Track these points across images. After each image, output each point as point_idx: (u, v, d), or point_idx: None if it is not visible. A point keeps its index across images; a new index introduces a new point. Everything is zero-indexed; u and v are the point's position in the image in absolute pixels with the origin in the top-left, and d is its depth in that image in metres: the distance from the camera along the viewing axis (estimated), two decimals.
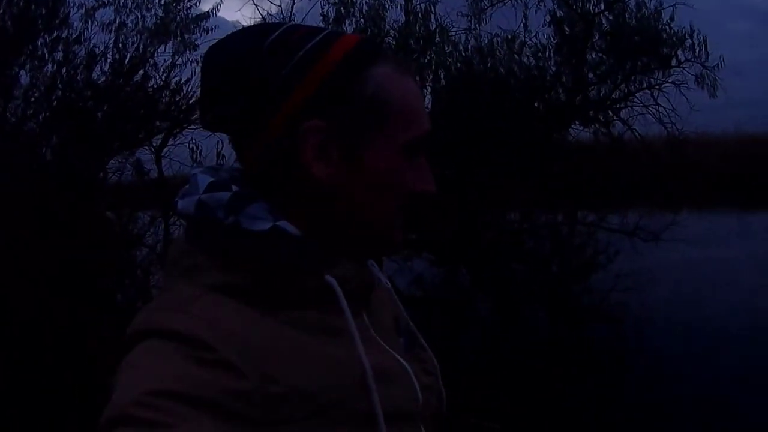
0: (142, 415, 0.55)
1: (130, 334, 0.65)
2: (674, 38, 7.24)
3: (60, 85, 6.66)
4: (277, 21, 6.20)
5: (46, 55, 6.66)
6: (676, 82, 7.20)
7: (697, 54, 7.30)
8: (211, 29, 6.29)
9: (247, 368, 0.62)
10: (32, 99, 6.61)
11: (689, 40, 7.27)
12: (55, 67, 6.64)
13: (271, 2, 6.46)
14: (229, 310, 0.66)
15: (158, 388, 0.57)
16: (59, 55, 6.68)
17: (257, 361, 0.63)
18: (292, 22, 0.78)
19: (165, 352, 0.61)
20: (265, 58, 0.70)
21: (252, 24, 6.44)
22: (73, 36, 6.73)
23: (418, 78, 0.87)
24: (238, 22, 6.70)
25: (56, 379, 3.85)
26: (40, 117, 6.73)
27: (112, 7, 6.70)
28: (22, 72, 6.63)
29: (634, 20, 7.12)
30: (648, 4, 7.20)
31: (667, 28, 7.25)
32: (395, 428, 0.70)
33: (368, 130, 0.72)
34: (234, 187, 0.71)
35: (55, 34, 6.76)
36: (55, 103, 6.69)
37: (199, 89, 0.76)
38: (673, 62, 7.28)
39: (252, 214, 0.70)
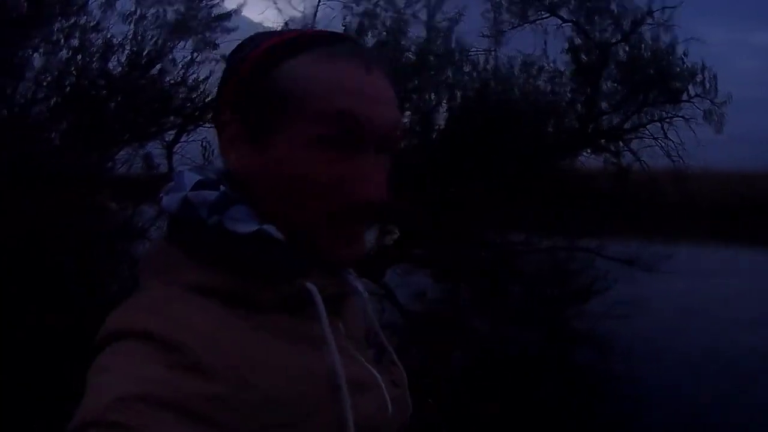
0: (114, 419, 0.54)
1: (103, 334, 0.64)
2: (686, 73, 7.33)
3: (74, 71, 6.63)
4: (299, 27, 6.25)
5: (62, 41, 6.63)
6: (686, 117, 7.28)
7: (706, 90, 7.40)
8: (233, 29, 6.31)
9: (222, 373, 0.61)
10: (44, 83, 6.58)
11: (700, 75, 7.37)
12: (69, 53, 6.61)
13: (294, 8, 6.44)
14: (205, 312, 0.65)
15: (131, 391, 0.56)
16: (75, 42, 6.65)
17: (232, 366, 0.62)
18: (272, 30, 0.78)
19: (139, 355, 0.60)
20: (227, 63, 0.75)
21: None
22: (91, 24, 6.71)
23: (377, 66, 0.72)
24: (262, 24, 6.75)
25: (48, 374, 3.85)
26: (51, 101, 6.71)
27: None
28: (36, 55, 6.59)
29: (648, 52, 7.21)
30: (662, 38, 7.31)
31: (680, 62, 7.34)
32: None
33: (275, 122, 0.70)
34: (222, 187, 0.71)
35: (72, 20, 6.73)
36: (67, 89, 6.66)
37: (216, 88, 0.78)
38: (684, 97, 7.37)
39: (235, 216, 0.69)
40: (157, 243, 0.74)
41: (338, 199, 0.69)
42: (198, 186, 0.71)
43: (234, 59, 0.74)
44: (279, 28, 6.60)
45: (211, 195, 0.70)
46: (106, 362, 0.60)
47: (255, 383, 0.62)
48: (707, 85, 7.42)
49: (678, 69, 7.29)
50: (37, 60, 6.63)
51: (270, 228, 0.69)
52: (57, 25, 6.71)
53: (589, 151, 6.88)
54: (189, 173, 0.73)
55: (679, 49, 7.28)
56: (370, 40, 6.02)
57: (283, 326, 0.68)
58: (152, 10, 6.50)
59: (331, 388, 0.68)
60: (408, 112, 5.97)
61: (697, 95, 7.37)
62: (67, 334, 4.17)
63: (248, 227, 0.68)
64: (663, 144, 7.05)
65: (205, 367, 0.60)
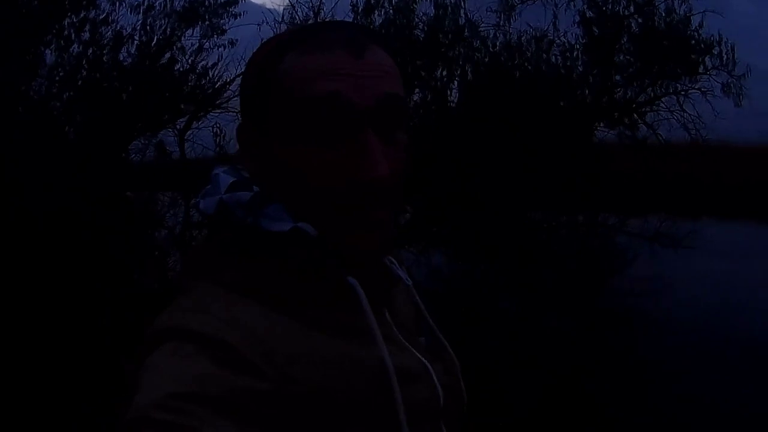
0: (163, 418, 0.56)
1: (151, 334, 0.65)
2: (702, 45, 7.26)
3: (86, 65, 6.73)
4: (305, 8, 6.29)
5: (73, 36, 6.72)
6: (703, 89, 7.20)
7: (724, 62, 7.32)
8: (240, 14, 6.37)
9: (268, 369, 0.62)
10: (57, 78, 6.68)
11: (717, 48, 7.29)
12: (81, 47, 6.70)
13: None
14: (249, 311, 0.66)
15: (180, 390, 0.57)
16: (86, 36, 6.74)
17: (278, 362, 0.63)
18: (289, 27, 0.81)
19: (186, 354, 0.61)
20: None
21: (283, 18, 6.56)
22: (101, 17, 6.81)
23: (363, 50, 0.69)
24: (264, 5, 6.81)
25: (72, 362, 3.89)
26: (64, 96, 6.81)
27: None
28: (48, 51, 6.70)
29: (663, 24, 7.15)
30: (678, 10, 7.24)
31: (696, 34, 7.27)
32: (417, 428, 0.70)
33: (273, 124, 0.71)
34: (255, 188, 0.72)
35: (82, 15, 6.83)
36: (80, 82, 6.76)
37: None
38: (701, 69, 7.30)
39: (271, 215, 0.70)
40: (199, 245, 0.77)
41: (339, 187, 0.69)
42: (232, 187, 0.72)
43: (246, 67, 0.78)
44: (283, 13, 6.62)
45: (245, 196, 0.71)
46: (155, 362, 0.62)
47: (301, 377, 0.63)
48: (725, 57, 7.34)
49: (693, 41, 7.21)
50: (49, 56, 6.73)
51: (305, 225, 0.69)
52: (67, 21, 6.80)
53: (602, 124, 6.83)
54: (224, 175, 0.74)
55: (695, 21, 7.21)
56: (377, 19, 6.05)
57: (328, 321, 0.69)
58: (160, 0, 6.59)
59: (380, 379, 0.68)
60: (418, 90, 5.97)
61: (714, 68, 7.28)
62: (101, 330, 4.24)
63: (283, 225, 0.69)
64: (680, 116, 6.98)
65: (252, 364, 0.61)
